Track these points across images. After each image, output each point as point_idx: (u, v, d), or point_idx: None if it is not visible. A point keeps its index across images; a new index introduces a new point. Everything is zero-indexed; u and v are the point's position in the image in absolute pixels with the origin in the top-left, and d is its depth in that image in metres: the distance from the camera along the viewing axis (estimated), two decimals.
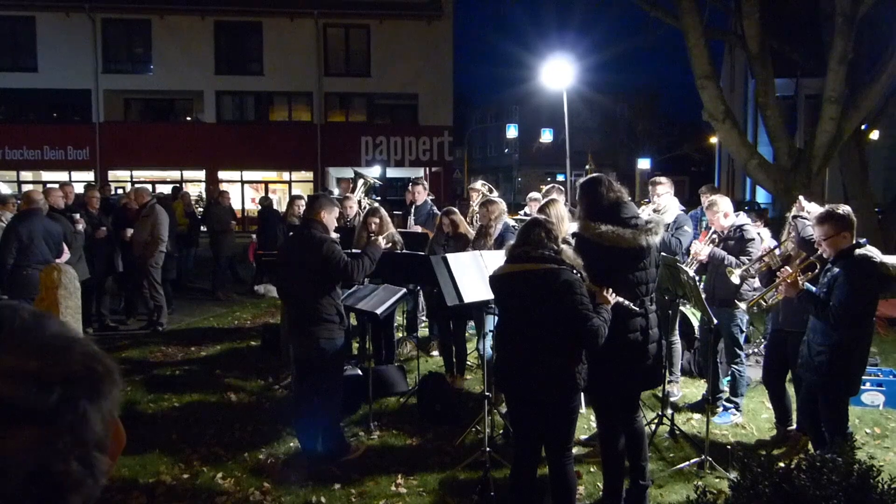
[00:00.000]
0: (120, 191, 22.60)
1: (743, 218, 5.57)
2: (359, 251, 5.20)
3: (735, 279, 4.98)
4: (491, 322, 5.32)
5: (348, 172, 9.07)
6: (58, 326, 0.66)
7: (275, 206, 13.11)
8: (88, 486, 0.63)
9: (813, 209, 4.91)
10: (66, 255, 7.13)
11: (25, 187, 16.82)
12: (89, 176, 25.00)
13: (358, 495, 4.33)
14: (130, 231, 8.60)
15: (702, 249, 5.46)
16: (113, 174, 26.24)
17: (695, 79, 10.87)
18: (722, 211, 5.45)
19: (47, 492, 0.60)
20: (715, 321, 4.83)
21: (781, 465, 2.59)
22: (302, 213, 7.85)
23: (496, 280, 3.73)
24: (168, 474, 4.62)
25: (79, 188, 10.91)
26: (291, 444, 5.10)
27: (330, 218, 4.82)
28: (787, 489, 2.27)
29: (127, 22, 26.34)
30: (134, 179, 25.59)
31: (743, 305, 5.11)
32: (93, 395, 0.64)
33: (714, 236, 5.51)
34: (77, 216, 8.19)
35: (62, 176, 24.40)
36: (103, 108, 26.27)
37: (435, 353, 7.41)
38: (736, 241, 5.38)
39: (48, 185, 9.07)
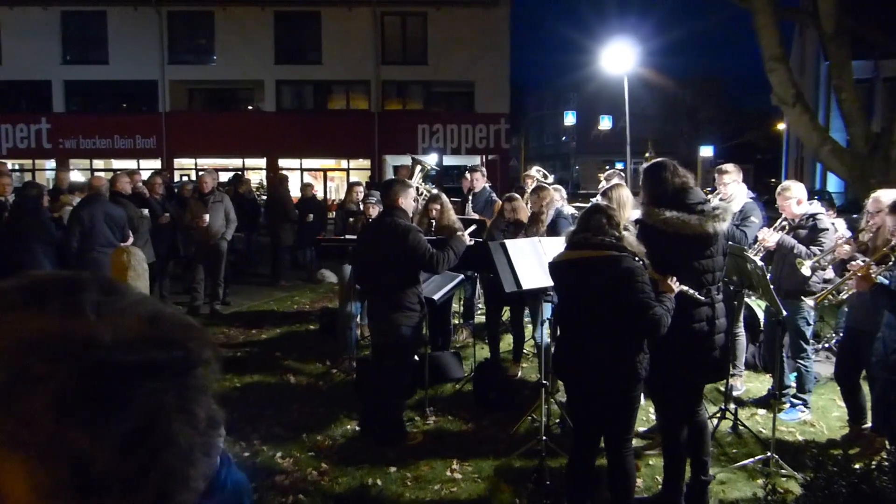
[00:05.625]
0: (185, 178, 23.33)
1: (816, 206, 5.31)
2: (440, 238, 5.17)
3: (806, 271, 4.75)
4: (548, 310, 5.24)
5: (405, 160, 9.05)
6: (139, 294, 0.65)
7: (317, 195, 13.31)
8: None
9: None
10: (132, 239, 7.35)
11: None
12: (156, 164, 25.83)
13: (413, 479, 4.35)
14: (207, 217, 8.78)
15: (770, 236, 5.22)
16: (178, 162, 27.06)
17: (763, 61, 10.42)
18: (795, 197, 5.19)
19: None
20: (784, 312, 4.63)
21: (859, 465, 2.46)
22: (360, 199, 7.93)
23: (555, 267, 3.66)
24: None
25: (146, 175, 11.25)
26: (348, 427, 5.17)
27: (408, 202, 4.81)
28: (867, 490, 2.14)
29: (191, 14, 27.03)
30: (198, 167, 26.34)
31: (810, 302, 4.86)
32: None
33: (784, 224, 5.27)
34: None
35: (131, 164, 25.29)
36: (169, 99, 27.08)
37: None
38: (808, 231, 5.12)
39: (116, 172, 9.37)
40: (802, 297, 5.11)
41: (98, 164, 27.17)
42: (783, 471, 4.37)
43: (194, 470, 0.60)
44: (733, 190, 5.80)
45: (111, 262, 6.64)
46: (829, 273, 5.24)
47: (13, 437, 0.52)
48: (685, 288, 3.58)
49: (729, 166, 6.02)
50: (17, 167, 26.32)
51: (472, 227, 5.65)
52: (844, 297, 4.38)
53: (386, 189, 4.92)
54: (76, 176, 24.87)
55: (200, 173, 10.06)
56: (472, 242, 5.13)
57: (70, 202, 7.61)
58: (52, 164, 26.98)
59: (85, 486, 0.53)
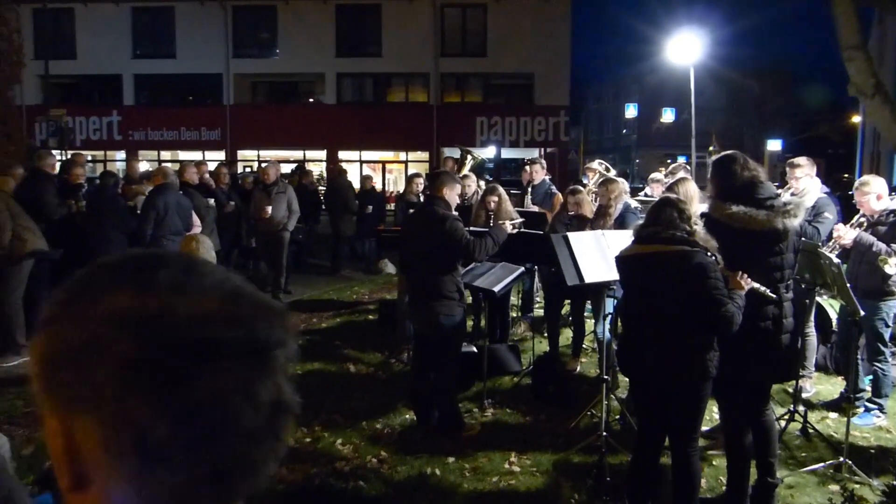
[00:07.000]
0: (248, 169, 23.92)
1: None
2: (482, 230, 5.20)
3: (890, 269, 4.52)
4: (610, 305, 5.17)
5: (457, 152, 9.01)
6: (221, 273, 0.65)
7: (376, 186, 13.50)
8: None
9: None
10: (198, 228, 7.54)
11: None
12: (220, 155, 26.60)
13: (471, 470, 4.36)
14: (269, 208, 8.93)
15: (847, 233, 4.99)
16: (241, 154, 27.80)
17: (840, 50, 9.95)
18: (874, 192, 4.94)
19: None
20: (861, 312, 4.43)
21: None
22: (420, 190, 7.97)
23: (623, 261, 3.59)
24: (291, 437, 4.84)
25: (211, 167, 11.56)
26: (407, 417, 5.22)
27: (452, 194, 4.86)
28: None
29: (255, 8, 27.67)
30: (260, 159, 26.98)
31: None
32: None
33: (862, 220, 5.03)
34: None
35: (196, 155, 26.03)
36: (233, 91, 27.82)
37: None
38: (889, 227, 4.88)
39: (183, 163, 9.63)
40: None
41: (165, 155, 28.17)
42: (856, 477, 4.20)
43: (259, 453, 0.60)
44: (806, 184, 5.56)
45: (181, 249, 6.85)
46: None
47: (86, 399, 0.56)
48: (756, 285, 3.46)
49: (801, 159, 5.77)
50: (89, 158, 27.52)
51: (521, 220, 5.64)
52: None
53: (433, 179, 5.03)
54: (144, 166, 25.93)
55: (264, 165, 10.26)
56: (516, 231, 5.15)
57: (143, 191, 7.87)
58: (122, 154, 28.12)
59: (146, 452, 0.55)
